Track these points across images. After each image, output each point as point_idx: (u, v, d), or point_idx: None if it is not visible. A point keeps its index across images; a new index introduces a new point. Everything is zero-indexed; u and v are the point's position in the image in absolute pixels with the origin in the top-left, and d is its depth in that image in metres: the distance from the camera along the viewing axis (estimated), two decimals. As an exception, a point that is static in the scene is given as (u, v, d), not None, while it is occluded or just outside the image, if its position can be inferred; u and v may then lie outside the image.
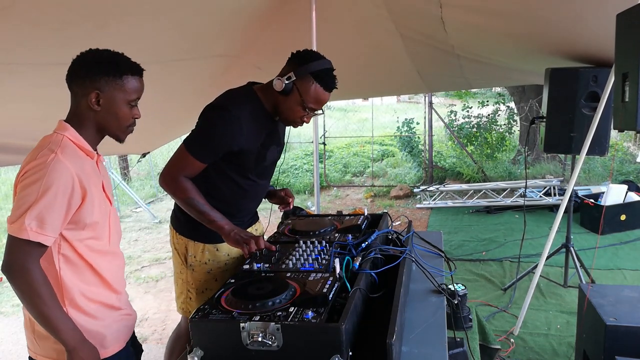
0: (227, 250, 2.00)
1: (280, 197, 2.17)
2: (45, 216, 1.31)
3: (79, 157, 1.43)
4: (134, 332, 1.72)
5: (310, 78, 1.75)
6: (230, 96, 1.86)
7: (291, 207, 2.20)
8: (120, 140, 1.54)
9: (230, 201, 1.93)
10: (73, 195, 1.36)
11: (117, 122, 1.48)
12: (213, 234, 1.92)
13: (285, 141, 2.12)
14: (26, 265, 1.32)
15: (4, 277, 1.35)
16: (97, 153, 1.52)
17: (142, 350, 1.80)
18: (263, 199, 2.18)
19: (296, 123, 1.88)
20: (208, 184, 1.88)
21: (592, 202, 5.27)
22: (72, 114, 1.47)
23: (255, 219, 2.17)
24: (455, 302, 1.79)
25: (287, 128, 2.09)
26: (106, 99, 1.43)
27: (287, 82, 1.75)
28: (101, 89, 1.41)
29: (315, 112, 1.88)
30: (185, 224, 1.98)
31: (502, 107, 8.95)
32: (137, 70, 1.47)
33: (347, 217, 2.14)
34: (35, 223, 1.30)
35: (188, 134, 1.84)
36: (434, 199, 6.66)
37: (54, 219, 1.33)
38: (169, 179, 1.83)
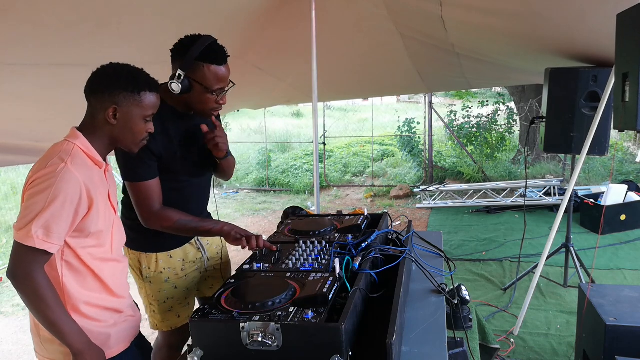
0: (181, 256, 1.98)
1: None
2: (51, 225, 1.33)
3: (87, 166, 1.44)
4: (140, 333, 1.74)
5: (199, 63, 1.67)
6: None
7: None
8: (133, 152, 1.56)
9: (169, 204, 1.83)
10: (80, 205, 1.38)
11: (132, 136, 1.50)
12: (163, 242, 1.90)
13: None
14: (31, 272, 1.33)
15: (4, 277, 1.35)
16: (106, 163, 1.54)
17: (151, 349, 1.81)
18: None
19: (215, 109, 1.80)
20: None
21: (592, 202, 5.27)
22: (86, 123, 1.49)
23: None
24: (455, 302, 1.79)
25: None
26: (123, 114, 1.45)
27: (180, 81, 1.68)
28: (119, 103, 1.43)
29: (226, 90, 1.79)
30: (135, 239, 1.91)
31: (502, 107, 8.95)
32: (154, 87, 1.50)
33: (347, 217, 2.13)
34: (41, 231, 1.32)
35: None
36: (434, 199, 6.66)
37: (60, 228, 1.35)
38: (147, 216, 1.79)
